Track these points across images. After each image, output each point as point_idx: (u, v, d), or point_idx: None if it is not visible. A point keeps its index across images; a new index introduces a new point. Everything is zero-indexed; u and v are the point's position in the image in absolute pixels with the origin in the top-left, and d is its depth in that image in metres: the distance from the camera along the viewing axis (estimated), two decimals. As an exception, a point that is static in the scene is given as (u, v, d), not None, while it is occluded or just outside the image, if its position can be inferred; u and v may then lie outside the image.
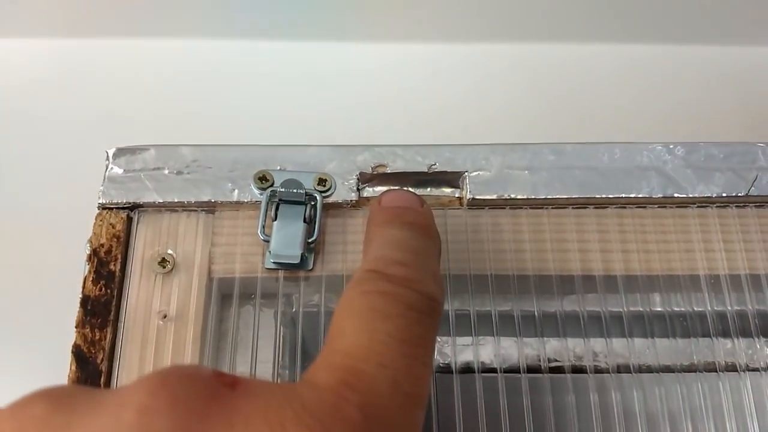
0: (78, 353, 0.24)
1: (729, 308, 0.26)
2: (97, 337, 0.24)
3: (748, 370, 0.26)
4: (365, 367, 0.16)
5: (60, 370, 0.24)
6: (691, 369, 0.26)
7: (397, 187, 0.27)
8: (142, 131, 0.51)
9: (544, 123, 0.52)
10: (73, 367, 0.24)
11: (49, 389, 0.16)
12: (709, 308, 0.26)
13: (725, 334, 0.26)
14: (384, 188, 0.28)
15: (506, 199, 0.27)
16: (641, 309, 0.26)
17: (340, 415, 0.15)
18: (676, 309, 0.26)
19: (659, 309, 0.26)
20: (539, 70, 0.55)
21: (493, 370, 0.25)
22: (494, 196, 0.27)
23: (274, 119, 0.52)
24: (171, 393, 0.14)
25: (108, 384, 0.24)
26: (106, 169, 0.26)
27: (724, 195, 0.27)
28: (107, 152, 0.27)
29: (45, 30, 0.55)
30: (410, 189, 0.28)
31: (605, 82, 0.54)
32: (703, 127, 0.52)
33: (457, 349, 0.25)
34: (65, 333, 0.24)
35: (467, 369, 0.25)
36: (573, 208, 0.27)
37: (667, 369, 0.26)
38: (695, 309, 0.26)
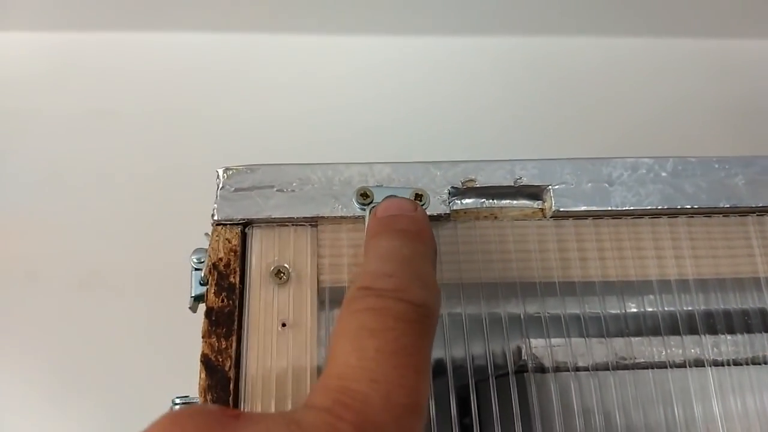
0: (207, 362, 0.25)
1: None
2: (224, 346, 0.26)
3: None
4: (357, 386, 0.17)
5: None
6: None
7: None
8: (138, 126, 0.52)
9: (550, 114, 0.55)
10: (203, 375, 0.25)
11: None
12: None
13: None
14: (472, 200, 0.30)
15: (588, 210, 0.29)
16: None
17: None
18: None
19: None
20: (551, 62, 0.57)
21: (585, 369, 0.27)
22: (577, 209, 0.29)
23: (277, 116, 0.53)
24: (181, 427, 0.16)
25: (236, 390, 0.25)
26: (218, 187, 0.28)
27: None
28: (218, 171, 0.28)
29: (43, 23, 0.54)
30: (493, 200, 0.30)
31: (618, 73, 0.57)
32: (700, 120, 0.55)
33: (552, 351, 0.28)
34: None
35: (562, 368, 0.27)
36: (649, 218, 0.29)
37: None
38: None
